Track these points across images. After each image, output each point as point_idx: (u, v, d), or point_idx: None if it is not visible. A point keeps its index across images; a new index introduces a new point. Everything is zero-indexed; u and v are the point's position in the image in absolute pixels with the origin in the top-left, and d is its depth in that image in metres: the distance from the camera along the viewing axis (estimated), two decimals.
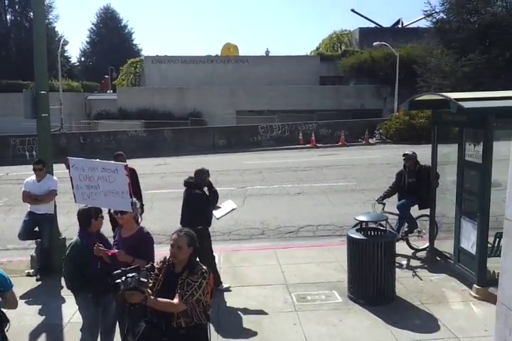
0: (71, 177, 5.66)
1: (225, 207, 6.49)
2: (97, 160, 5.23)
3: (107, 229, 5.76)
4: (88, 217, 4.44)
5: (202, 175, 6.31)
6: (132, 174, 7.59)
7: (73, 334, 4.58)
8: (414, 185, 7.32)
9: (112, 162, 5.33)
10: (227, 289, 6.26)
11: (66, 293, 4.52)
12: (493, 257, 5.70)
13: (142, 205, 7.59)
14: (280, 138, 25.44)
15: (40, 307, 5.88)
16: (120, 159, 7.45)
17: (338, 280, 6.36)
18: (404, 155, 7.54)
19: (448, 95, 5.67)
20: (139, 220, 7.39)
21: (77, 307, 4.57)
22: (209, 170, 6.44)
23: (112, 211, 4.52)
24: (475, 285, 5.76)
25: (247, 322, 5.36)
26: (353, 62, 33.60)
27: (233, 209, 6.50)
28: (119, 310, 4.19)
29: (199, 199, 6.22)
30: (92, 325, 4.44)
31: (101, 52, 54.91)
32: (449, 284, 6.18)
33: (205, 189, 6.36)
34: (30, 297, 6.24)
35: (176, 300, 3.22)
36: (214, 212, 6.32)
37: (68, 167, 5.62)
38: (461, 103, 5.19)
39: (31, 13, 29.70)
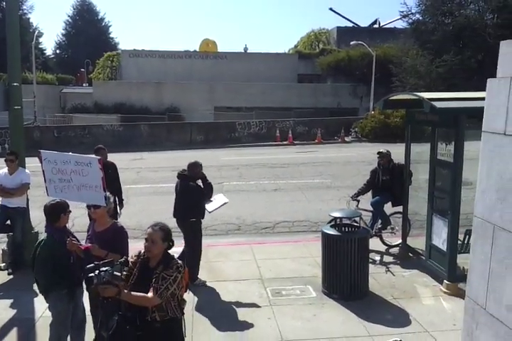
0: (43, 171, 5.58)
1: (216, 200, 6.49)
2: (70, 153, 5.17)
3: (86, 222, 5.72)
4: (56, 212, 4.32)
5: (196, 167, 6.32)
6: (113, 169, 7.54)
7: (45, 328, 4.50)
8: (388, 183, 7.46)
9: (86, 155, 5.21)
10: (204, 284, 6.27)
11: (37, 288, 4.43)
12: (463, 254, 5.86)
13: (122, 200, 7.54)
14: (257, 135, 25.48)
15: (11, 301, 5.79)
16: (101, 152, 7.35)
17: (312, 276, 6.44)
18: (378, 153, 7.67)
19: (421, 95, 5.78)
20: (118, 215, 7.37)
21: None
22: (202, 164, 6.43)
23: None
24: (445, 280, 5.91)
25: (222, 316, 5.38)
26: (331, 60, 33.88)
27: (225, 203, 6.49)
28: (92, 304, 4.16)
29: (195, 191, 6.21)
30: (64, 321, 4.37)
31: (77, 44, 53.87)
32: (421, 280, 6.32)
33: (199, 182, 6.35)
34: (1, 291, 6.15)
35: (150, 294, 3.22)
36: (206, 205, 6.33)
37: (41, 160, 5.55)
38: (434, 103, 5.30)
39: (4, 3, 29.02)
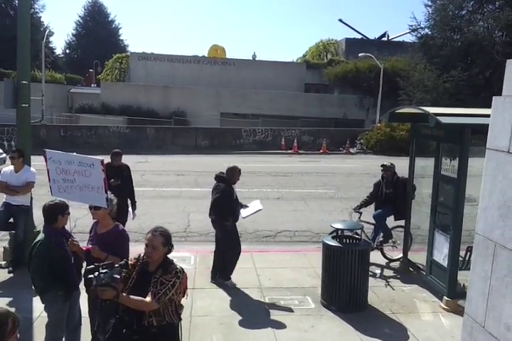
0: (48, 170, 5.62)
1: (252, 206, 6.61)
2: (74, 153, 5.19)
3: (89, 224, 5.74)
4: (54, 214, 4.29)
5: (233, 172, 6.42)
6: (127, 171, 7.64)
7: (43, 328, 4.50)
8: (391, 196, 7.45)
9: (89, 156, 5.25)
10: (234, 285, 6.40)
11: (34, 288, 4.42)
12: (464, 270, 5.83)
13: (135, 202, 7.61)
14: (262, 143, 25.53)
15: (10, 299, 5.78)
16: (117, 156, 7.46)
17: (311, 286, 6.42)
18: (382, 166, 7.67)
19: (427, 109, 5.80)
20: (132, 217, 7.42)
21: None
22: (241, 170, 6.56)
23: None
24: (445, 297, 5.89)
25: (220, 323, 5.37)
26: (338, 71, 34.01)
27: (259, 210, 6.59)
28: (91, 306, 4.16)
29: (228, 195, 6.32)
30: (60, 322, 4.35)
31: (87, 45, 54.26)
32: (420, 295, 6.30)
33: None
34: (0, 289, 6.14)
35: (148, 299, 3.22)
36: (241, 210, 6.49)
37: (46, 159, 5.59)
38: (439, 118, 5.31)
39: (17, 1, 29.31)
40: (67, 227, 4.55)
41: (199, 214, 10.54)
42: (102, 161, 4.97)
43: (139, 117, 28.50)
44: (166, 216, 10.23)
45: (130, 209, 7.49)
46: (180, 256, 7.05)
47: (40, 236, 4.32)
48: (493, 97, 3.90)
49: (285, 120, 29.83)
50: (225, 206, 6.28)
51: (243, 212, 6.49)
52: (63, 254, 4.22)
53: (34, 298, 5.69)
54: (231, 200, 6.35)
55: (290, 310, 5.74)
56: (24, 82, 7.04)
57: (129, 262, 3.49)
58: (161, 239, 3.35)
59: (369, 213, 7.82)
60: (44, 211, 4.34)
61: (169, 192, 13.22)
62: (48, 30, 35.38)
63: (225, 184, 6.37)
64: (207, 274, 6.84)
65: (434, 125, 5.52)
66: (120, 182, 7.13)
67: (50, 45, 50.64)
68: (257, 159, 21.14)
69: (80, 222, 7.46)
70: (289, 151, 24.67)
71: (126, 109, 30.31)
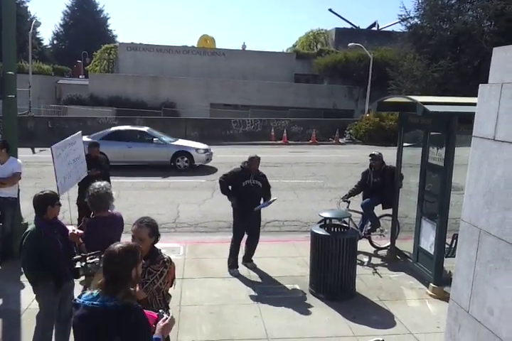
0: (55, 169, 5.62)
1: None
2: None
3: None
4: (44, 204, 4.27)
5: (250, 160, 6.65)
6: (106, 161, 7.73)
7: (31, 320, 4.50)
8: (379, 185, 7.50)
9: (70, 136, 6.16)
10: (235, 275, 6.55)
11: (26, 278, 4.41)
12: (450, 257, 5.91)
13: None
14: (252, 133, 25.47)
15: None
16: (95, 147, 7.68)
17: (300, 275, 6.47)
18: (370, 155, 7.70)
19: (415, 98, 5.82)
20: (111, 208, 7.41)
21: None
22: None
23: (86, 199, 4.44)
24: (431, 284, 5.96)
25: (209, 313, 5.40)
26: (328, 61, 33.94)
27: (273, 200, 6.77)
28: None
29: (233, 176, 6.69)
30: (50, 313, 4.35)
31: (74, 36, 53.53)
32: (407, 282, 6.37)
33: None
34: None
35: (136, 288, 3.22)
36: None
37: (53, 158, 5.60)
38: (426, 106, 5.33)
39: None
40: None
41: (188, 205, 10.56)
42: (80, 133, 6.33)
43: (128, 108, 28.26)
44: (156, 207, 10.22)
45: None
46: (169, 246, 7.06)
47: (31, 227, 4.32)
48: (480, 85, 3.92)
49: (275, 110, 29.77)
50: (224, 185, 6.67)
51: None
52: (53, 245, 4.20)
53: (22, 291, 5.69)
54: (233, 181, 6.62)
55: (279, 298, 5.79)
56: (10, 72, 6.93)
57: None
58: (147, 230, 3.34)
59: (357, 202, 7.88)
60: (34, 202, 4.33)
61: (159, 183, 13.19)
62: (34, 21, 34.74)
63: (241, 168, 6.71)
64: (196, 264, 6.87)
65: (422, 113, 5.55)
66: (99, 172, 7.21)
67: (38, 36, 49.94)
68: (247, 150, 21.00)
69: (67, 214, 7.43)
70: (279, 142, 24.65)
71: (115, 100, 30.03)
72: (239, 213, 6.70)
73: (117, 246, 2.59)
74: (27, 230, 4.32)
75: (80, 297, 2.54)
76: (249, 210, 6.55)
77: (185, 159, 15.55)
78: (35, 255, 4.15)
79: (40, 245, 4.15)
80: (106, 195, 4.21)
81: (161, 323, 2.66)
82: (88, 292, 2.58)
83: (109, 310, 2.39)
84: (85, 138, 15.92)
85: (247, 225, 6.74)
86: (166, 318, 2.68)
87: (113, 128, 16.73)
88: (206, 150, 15.99)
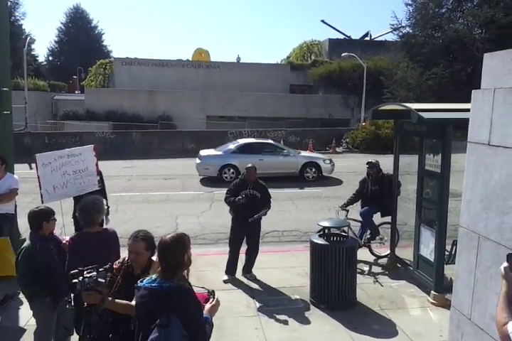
0: (38, 177, 5.68)
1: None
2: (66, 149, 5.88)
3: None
4: (39, 220, 4.23)
5: (247, 170, 6.76)
6: (101, 176, 7.62)
7: (29, 337, 4.45)
8: (377, 193, 7.49)
9: (77, 147, 6.15)
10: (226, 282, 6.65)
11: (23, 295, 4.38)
12: (450, 264, 5.87)
13: (108, 207, 7.50)
14: None
15: None
16: None
17: (300, 285, 6.42)
18: (368, 163, 7.71)
19: (409, 105, 5.85)
20: (106, 222, 7.34)
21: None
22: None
23: (77, 214, 4.41)
24: (432, 291, 5.92)
25: None
26: (322, 71, 34.16)
27: (266, 211, 6.78)
28: (76, 312, 4.11)
29: (234, 187, 6.84)
30: (47, 329, 4.30)
31: (69, 52, 53.87)
32: (409, 290, 6.33)
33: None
34: None
35: (134, 302, 3.18)
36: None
37: (36, 166, 5.66)
38: (421, 113, 5.36)
39: None
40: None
41: (187, 218, 10.52)
42: (95, 147, 6.12)
43: (125, 122, 28.33)
44: (154, 220, 10.17)
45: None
46: None
47: (26, 244, 4.29)
48: (473, 91, 3.95)
49: (271, 121, 29.87)
50: (226, 195, 6.78)
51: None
52: (49, 261, 4.17)
53: (21, 307, 5.63)
54: (235, 193, 6.67)
55: (280, 310, 5.73)
56: (5, 89, 6.96)
57: (114, 266, 3.45)
58: (143, 244, 3.31)
59: (356, 211, 7.86)
60: (29, 217, 4.30)
61: (156, 196, 13.15)
62: (29, 38, 35.01)
63: (240, 179, 6.87)
64: (196, 276, 6.79)
65: (417, 121, 5.56)
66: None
67: (33, 53, 50.18)
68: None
69: (67, 228, 7.38)
70: None
71: (111, 115, 30.10)
72: (236, 222, 6.74)
73: (168, 236, 2.88)
74: (22, 246, 4.28)
75: (141, 281, 2.87)
76: (246, 220, 6.55)
77: (314, 170, 15.68)
78: (30, 271, 4.12)
79: (35, 261, 4.12)
80: (93, 210, 4.08)
81: (208, 305, 3.01)
82: (148, 277, 2.89)
83: (164, 290, 2.72)
84: (214, 152, 16.35)
85: (244, 235, 6.72)
86: (213, 300, 3.03)
87: (242, 141, 16.80)
88: (330, 161, 16.13)
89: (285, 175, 15.46)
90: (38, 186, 5.80)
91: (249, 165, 6.78)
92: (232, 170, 15.18)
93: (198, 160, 15.86)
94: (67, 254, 4.04)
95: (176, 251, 2.83)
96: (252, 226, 6.68)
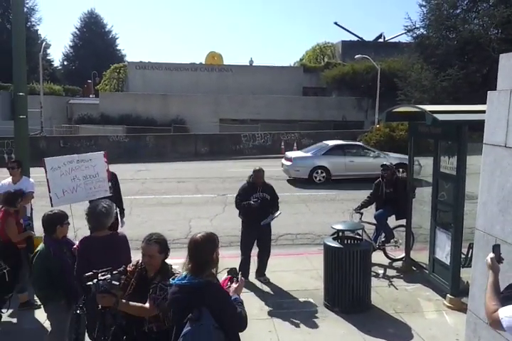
0: (47, 180, 5.77)
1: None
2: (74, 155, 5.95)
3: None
4: (53, 224, 4.27)
5: (254, 173, 6.75)
6: (115, 179, 7.64)
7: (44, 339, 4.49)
8: (392, 196, 7.42)
9: (88, 153, 6.19)
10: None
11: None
12: (467, 267, 5.79)
13: (123, 210, 7.57)
14: (262, 147, 25.53)
15: (11, 310, 5.74)
16: None
17: (314, 288, 6.38)
18: (382, 165, 7.66)
19: (423, 107, 5.79)
20: (121, 225, 7.39)
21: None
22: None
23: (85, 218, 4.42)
24: (448, 295, 5.85)
25: None
26: (336, 74, 34.04)
27: (279, 214, 6.78)
28: (89, 314, 4.13)
29: (242, 191, 6.80)
30: (61, 331, 4.33)
31: (84, 56, 54.50)
32: (424, 294, 6.25)
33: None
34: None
35: (147, 305, 3.20)
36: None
37: (45, 169, 5.74)
38: (435, 115, 5.30)
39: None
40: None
41: (200, 221, 10.54)
42: (105, 153, 6.10)
43: (139, 126, 28.55)
44: (167, 223, 10.22)
45: (119, 217, 7.46)
46: (182, 262, 7.01)
47: (40, 247, 4.33)
48: (488, 92, 3.90)
49: (284, 124, 29.85)
50: (236, 200, 6.72)
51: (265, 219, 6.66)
52: (63, 264, 4.20)
53: (36, 310, 5.68)
54: (245, 197, 6.63)
55: (293, 312, 5.70)
56: (21, 93, 7.07)
57: (128, 269, 3.47)
58: (156, 247, 3.32)
59: (370, 213, 7.80)
60: (43, 221, 4.35)
61: (170, 199, 13.21)
62: (44, 43, 35.48)
63: (248, 183, 6.80)
64: None
65: (431, 123, 5.51)
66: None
67: (48, 58, 50.85)
68: (258, 164, 20.89)
69: (81, 232, 7.45)
70: None
71: (125, 119, 30.36)
72: (247, 225, 6.73)
73: (199, 235, 3.03)
74: (36, 250, 4.33)
75: (173, 279, 3.04)
76: (258, 223, 6.54)
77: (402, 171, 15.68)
78: (44, 274, 4.16)
79: (49, 264, 4.16)
80: (101, 214, 4.05)
81: (234, 285, 3.13)
82: (180, 275, 3.07)
83: (194, 286, 2.86)
84: (303, 154, 16.37)
85: (255, 238, 6.71)
86: (237, 280, 3.17)
87: (331, 143, 16.87)
88: (418, 162, 16.05)
89: (375, 176, 15.44)
90: (48, 190, 5.88)
91: (257, 167, 6.77)
92: (322, 172, 15.28)
93: (286, 162, 15.95)
94: (76, 258, 4.07)
95: (205, 249, 2.97)
96: (263, 230, 6.66)
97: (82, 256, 3.95)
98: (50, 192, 5.90)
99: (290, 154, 16.38)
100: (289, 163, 15.81)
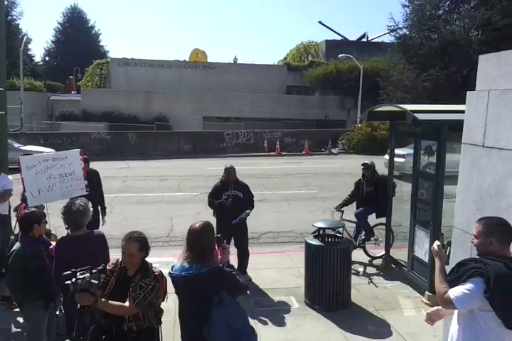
0: (22, 179, 5.65)
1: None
2: (47, 151, 5.81)
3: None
4: (30, 223, 4.18)
5: (225, 171, 6.68)
6: (97, 177, 7.50)
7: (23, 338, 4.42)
8: (372, 194, 7.49)
9: (62, 151, 6.12)
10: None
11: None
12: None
13: (105, 208, 7.47)
14: (245, 145, 25.53)
15: None
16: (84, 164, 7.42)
17: (295, 286, 6.41)
18: (363, 164, 7.71)
19: (404, 106, 5.86)
20: (101, 223, 7.30)
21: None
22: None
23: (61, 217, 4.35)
24: (427, 292, 5.92)
25: None
26: (319, 73, 34.20)
27: (248, 212, 6.72)
28: (66, 313, 4.08)
29: (214, 190, 6.84)
30: (39, 332, 4.26)
31: (66, 52, 53.64)
32: (403, 291, 6.33)
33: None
34: None
35: (127, 303, 3.17)
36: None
37: (20, 168, 5.63)
38: (416, 114, 5.37)
39: None
40: None
41: (182, 218, 10.48)
42: (81, 151, 6.04)
43: (121, 123, 28.27)
44: (149, 221, 10.14)
45: (100, 215, 7.35)
46: (164, 260, 6.96)
47: (16, 246, 4.22)
48: (468, 92, 3.96)
49: (268, 122, 29.88)
50: (210, 200, 6.75)
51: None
52: (40, 264, 4.12)
53: (15, 310, 5.58)
54: (216, 195, 6.66)
55: (274, 310, 5.72)
56: (0, 89, 6.93)
57: (107, 267, 3.43)
58: (137, 245, 3.30)
59: (351, 212, 7.86)
60: (21, 220, 4.27)
61: (152, 197, 13.12)
62: (25, 38, 34.80)
63: (220, 181, 6.77)
64: None
65: (412, 122, 5.57)
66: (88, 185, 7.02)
67: (29, 53, 50.00)
68: (240, 162, 21.02)
69: (60, 230, 7.35)
70: (272, 153, 24.70)
71: (107, 116, 30.01)
72: (220, 225, 6.48)
73: (197, 225, 3.19)
74: (12, 249, 4.21)
75: (172, 270, 3.14)
76: (231, 222, 6.46)
77: None
78: (21, 274, 4.07)
79: (26, 264, 4.07)
80: (77, 213, 3.97)
81: (219, 256, 3.32)
82: (178, 265, 3.15)
83: (204, 275, 3.00)
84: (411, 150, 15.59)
85: (230, 237, 6.55)
86: (223, 247, 3.40)
87: None
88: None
89: None
90: (23, 189, 5.75)
91: (228, 165, 6.67)
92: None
93: (399, 159, 15.62)
94: (54, 258, 3.99)
95: (205, 237, 3.13)
96: (237, 228, 6.58)
97: (59, 256, 3.88)
98: (25, 191, 5.76)
99: (400, 151, 16.08)
100: (402, 160, 15.61)
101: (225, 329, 3.01)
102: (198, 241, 3.11)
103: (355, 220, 7.65)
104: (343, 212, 7.59)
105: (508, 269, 2.69)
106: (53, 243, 4.35)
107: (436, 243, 3.15)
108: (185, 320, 3.26)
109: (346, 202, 7.73)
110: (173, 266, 3.20)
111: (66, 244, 3.98)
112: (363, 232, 7.62)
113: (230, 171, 6.63)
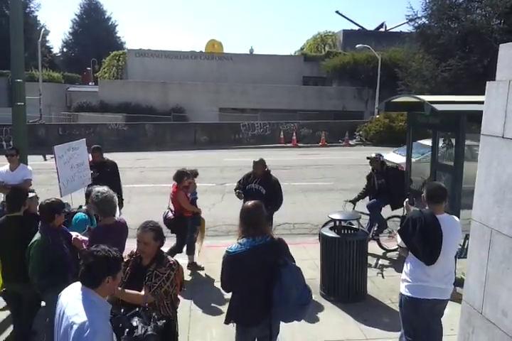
0: (57, 169, 5.70)
1: None
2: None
3: None
4: (52, 212, 4.22)
5: (254, 164, 6.72)
6: (113, 167, 7.59)
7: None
8: (385, 186, 7.40)
9: (75, 141, 6.25)
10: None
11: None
12: (463, 258, 5.81)
13: (122, 199, 7.55)
14: (261, 137, 25.49)
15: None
16: (96, 152, 7.47)
17: (310, 278, 6.35)
18: (367, 158, 7.63)
19: (422, 97, 5.77)
20: (118, 214, 7.39)
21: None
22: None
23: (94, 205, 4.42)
24: None
25: (220, 317, 5.36)
26: (336, 63, 33.85)
27: None
28: None
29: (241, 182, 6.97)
30: None
31: (83, 43, 54.13)
32: None
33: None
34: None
35: (143, 292, 3.22)
36: None
37: (55, 157, 5.71)
38: (434, 105, 5.28)
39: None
40: None
41: None
42: (83, 140, 6.45)
43: (138, 114, 28.45)
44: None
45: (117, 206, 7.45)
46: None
47: (37, 236, 4.23)
48: (487, 82, 3.87)
49: (284, 113, 29.78)
50: (236, 185, 6.93)
51: None
52: (61, 253, 4.18)
53: None
54: (241, 182, 6.83)
55: None
56: (18, 80, 7.02)
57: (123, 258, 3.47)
58: (152, 234, 3.34)
59: (364, 203, 7.80)
60: (41, 210, 4.28)
61: (169, 188, 13.17)
62: (43, 29, 35.24)
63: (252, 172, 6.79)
64: (207, 268, 6.85)
65: (430, 113, 5.49)
66: (99, 175, 7.08)
67: (47, 44, 50.59)
68: (256, 153, 20.89)
69: None
70: (288, 145, 24.62)
71: (124, 107, 30.23)
72: None
73: (249, 204, 3.65)
74: (33, 239, 4.22)
75: (232, 250, 3.52)
76: None
77: None
78: (44, 264, 4.10)
79: (48, 253, 4.11)
80: (114, 201, 4.14)
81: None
82: (233, 245, 3.55)
83: (269, 243, 3.51)
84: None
85: None
86: None
87: None
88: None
89: None
90: (57, 178, 5.76)
91: (257, 158, 6.66)
92: None
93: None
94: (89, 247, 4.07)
95: (257, 213, 3.56)
96: None
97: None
98: (59, 181, 5.78)
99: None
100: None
101: (293, 286, 3.47)
102: (254, 216, 3.51)
103: (367, 212, 7.59)
104: (355, 204, 7.54)
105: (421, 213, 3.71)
106: (73, 233, 4.41)
107: (406, 200, 4.00)
108: (247, 292, 3.63)
109: (361, 196, 7.71)
110: (229, 249, 3.54)
111: (102, 232, 4.09)
112: (376, 224, 7.57)
113: (257, 164, 6.60)
